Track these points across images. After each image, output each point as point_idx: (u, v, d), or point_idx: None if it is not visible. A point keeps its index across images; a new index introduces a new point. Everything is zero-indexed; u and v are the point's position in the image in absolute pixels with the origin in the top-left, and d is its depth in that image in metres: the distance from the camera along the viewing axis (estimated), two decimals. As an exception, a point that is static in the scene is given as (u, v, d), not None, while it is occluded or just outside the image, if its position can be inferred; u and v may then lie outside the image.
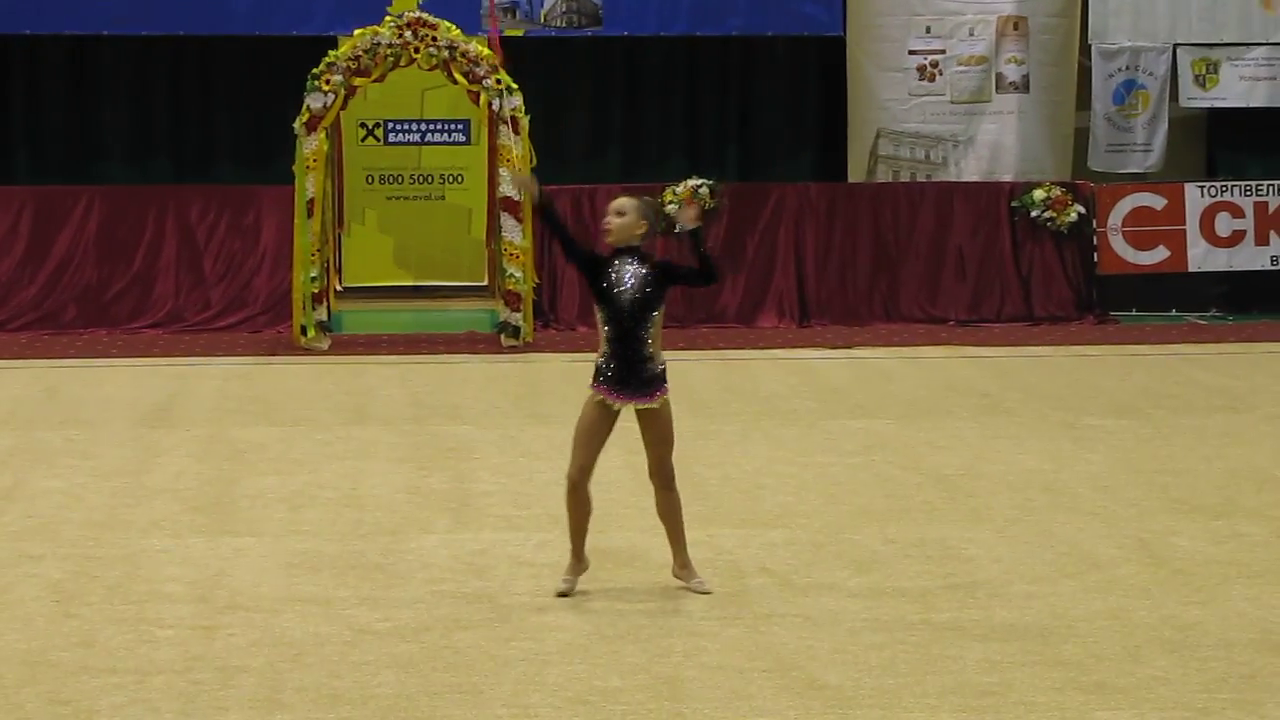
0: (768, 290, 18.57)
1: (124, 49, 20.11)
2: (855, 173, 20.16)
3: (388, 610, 8.73)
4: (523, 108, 16.98)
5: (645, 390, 8.87)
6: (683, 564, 9.13)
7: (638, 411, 8.91)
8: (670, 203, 18.18)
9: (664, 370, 8.94)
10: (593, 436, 8.91)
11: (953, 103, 20.06)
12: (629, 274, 8.83)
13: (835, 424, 13.53)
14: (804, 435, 13.10)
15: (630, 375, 8.85)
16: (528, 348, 16.97)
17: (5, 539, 10.12)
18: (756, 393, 14.93)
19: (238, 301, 18.18)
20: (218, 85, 20.40)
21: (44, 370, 15.98)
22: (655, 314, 8.88)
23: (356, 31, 16.89)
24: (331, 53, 16.91)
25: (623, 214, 8.89)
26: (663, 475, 9.01)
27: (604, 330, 8.92)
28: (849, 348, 17.23)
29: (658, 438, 8.95)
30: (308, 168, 16.79)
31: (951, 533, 10.33)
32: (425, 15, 16.87)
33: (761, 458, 12.33)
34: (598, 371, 8.90)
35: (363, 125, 17.84)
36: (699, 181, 18.45)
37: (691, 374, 15.39)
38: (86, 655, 8.10)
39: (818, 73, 20.84)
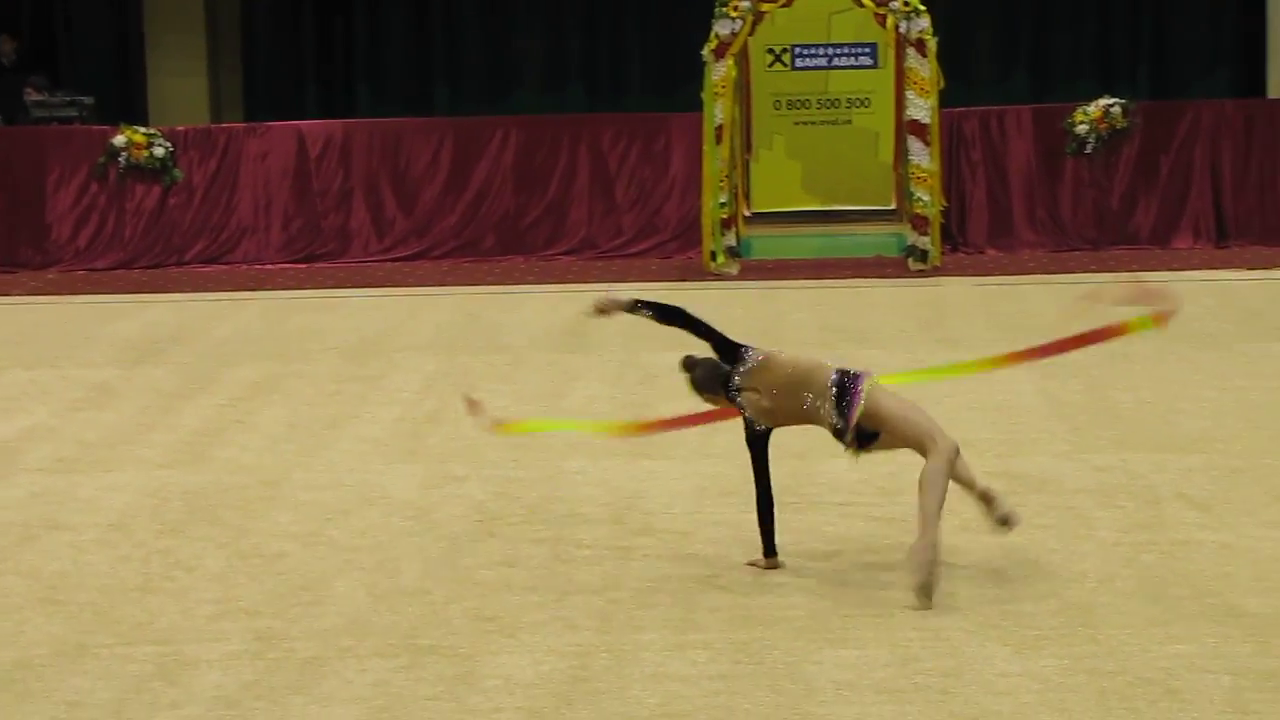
0: (1183, 211, 18.10)
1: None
2: (1275, 88, 19.52)
3: (797, 535, 8.81)
4: (930, 30, 16.86)
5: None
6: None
7: None
8: (1080, 123, 17.84)
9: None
10: None
11: (1384, 9, 19.27)
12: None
13: (1255, 347, 13.17)
14: (1222, 359, 12.79)
15: None
16: (935, 271, 16.89)
17: (431, 460, 10.51)
18: (1171, 315, 14.59)
19: (649, 228, 18.46)
20: (627, 13, 20.71)
21: (464, 297, 16.48)
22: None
23: (763, -43, 16.96)
24: (739, -21, 17.00)
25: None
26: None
27: None
28: (1269, 268, 16.73)
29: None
30: (716, 94, 16.96)
31: (1378, 459, 10.00)
32: (831, -61, 16.89)
33: (1177, 381, 12.09)
34: None
35: (770, 51, 17.92)
36: (1110, 101, 18.06)
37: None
38: (509, 574, 8.37)
39: (1236, -16, 20.27)
